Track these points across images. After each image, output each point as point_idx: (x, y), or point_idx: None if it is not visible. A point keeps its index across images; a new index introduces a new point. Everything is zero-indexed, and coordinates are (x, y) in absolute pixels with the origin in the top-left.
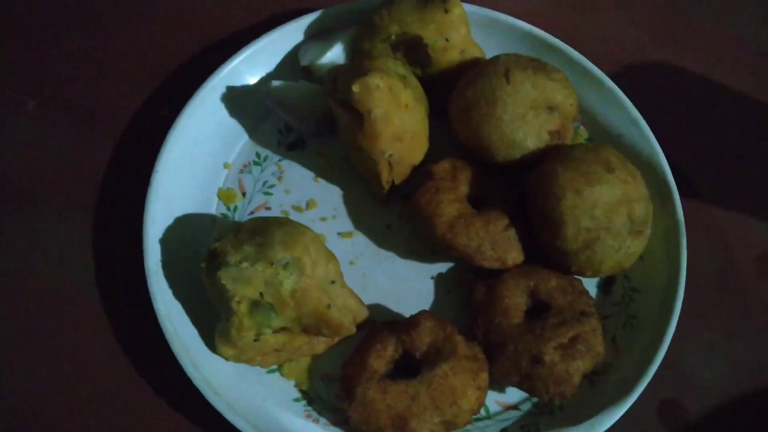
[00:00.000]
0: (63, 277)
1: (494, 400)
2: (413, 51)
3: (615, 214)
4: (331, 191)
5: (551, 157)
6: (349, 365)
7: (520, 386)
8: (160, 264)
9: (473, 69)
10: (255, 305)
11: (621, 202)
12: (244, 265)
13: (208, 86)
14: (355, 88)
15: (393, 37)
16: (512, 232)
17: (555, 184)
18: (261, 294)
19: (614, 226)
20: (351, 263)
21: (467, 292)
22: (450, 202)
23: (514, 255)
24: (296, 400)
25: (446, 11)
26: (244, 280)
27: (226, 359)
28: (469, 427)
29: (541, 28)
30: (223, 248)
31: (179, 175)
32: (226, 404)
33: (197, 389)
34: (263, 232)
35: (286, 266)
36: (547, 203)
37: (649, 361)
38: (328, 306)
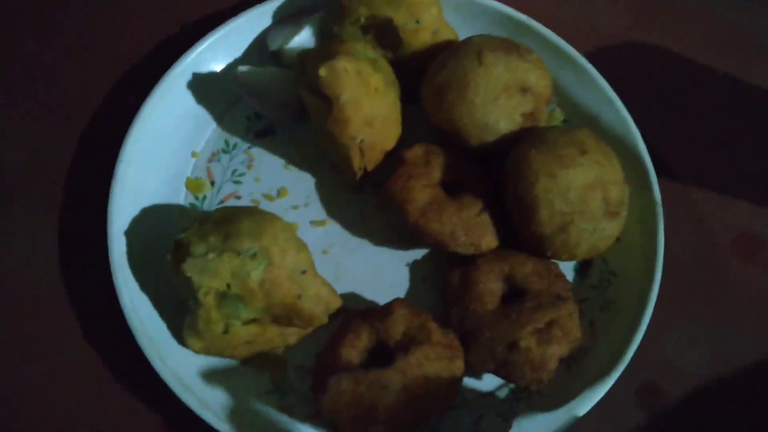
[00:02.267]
0: (29, 274)
1: (471, 387)
2: (384, 34)
3: (589, 196)
4: (302, 179)
5: (524, 140)
6: (323, 355)
7: (496, 373)
8: (125, 257)
9: (445, 51)
10: (223, 297)
11: (595, 185)
12: (210, 256)
13: (173, 73)
14: (322, 72)
15: (362, 19)
16: (486, 217)
17: (528, 167)
18: (228, 285)
19: (589, 209)
20: (324, 252)
21: (443, 279)
22: (422, 188)
23: (489, 240)
24: (269, 392)
25: None
26: (210, 272)
27: (196, 352)
28: (445, 415)
29: (518, 10)
30: (188, 239)
31: (145, 165)
32: (195, 398)
33: (167, 384)
34: (230, 222)
35: (253, 256)
36: (521, 187)
37: (626, 345)
38: (299, 296)
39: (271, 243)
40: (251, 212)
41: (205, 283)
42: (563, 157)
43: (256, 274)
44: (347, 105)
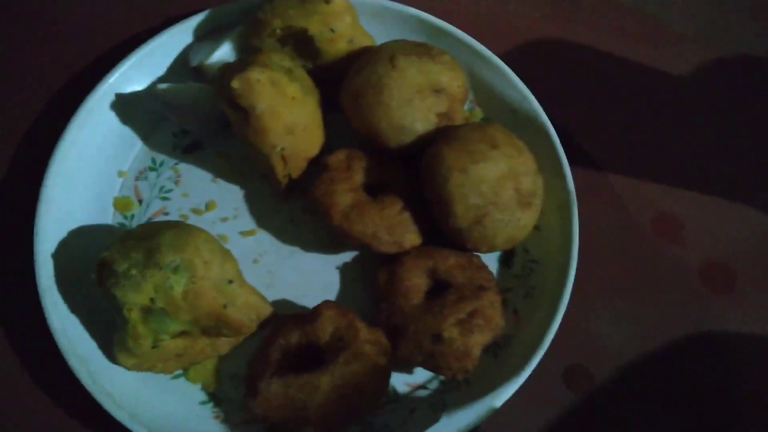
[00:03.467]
0: None
1: (403, 381)
2: (301, 44)
3: (502, 188)
4: (230, 191)
5: (438, 138)
6: (254, 362)
7: (424, 365)
8: (53, 279)
9: (361, 58)
10: (148, 312)
11: (507, 177)
12: (133, 272)
13: (95, 95)
14: (235, 84)
15: (278, 31)
16: (407, 216)
17: (441, 164)
18: (152, 300)
19: (502, 201)
20: (255, 261)
21: (372, 279)
22: (345, 191)
23: (411, 237)
24: (203, 402)
25: (327, 2)
26: (133, 288)
27: (128, 369)
28: (378, 410)
29: (433, 14)
30: (111, 257)
31: (71, 187)
32: (127, 414)
33: (100, 404)
34: (151, 238)
35: (176, 269)
36: (436, 184)
37: (546, 328)
38: (225, 306)
39: (193, 255)
40: (173, 226)
41: (129, 299)
42: (474, 152)
43: (179, 286)
44: (264, 115)
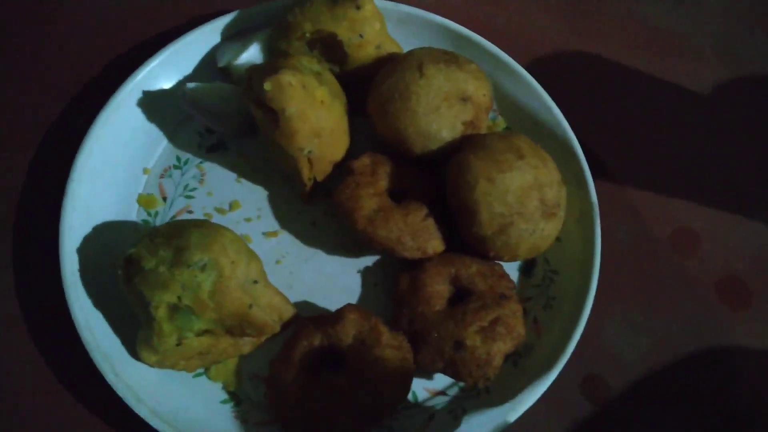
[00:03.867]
0: None
1: (422, 387)
2: (329, 48)
3: (527, 198)
4: (254, 191)
5: (465, 146)
6: (276, 363)
7: (445, 372)
8: (77, 274)
9: (389, 64)
10: (174, 309)
11: (532, 187)
12: (161, 269)
13: (122, 92)
14: (267, 86)
15: (307, 35)
16: (431, 222)
17: (468, 172)
18: (179, 298)
19: (527, 211)
20: (277, 262)
21: (392, 283)
22: (369, 196)
23: (435, 244)
24: (224, 401)
25: (358, 8)
26: (161, 285)
27: (150, 365)
28: (397, 415)
29: (458, 23)
30: (138, 254)
31: (96, 183)
32: (148, 410)
33: (121, 398)
34: (179, 236)
35: (203, 268)
36: (462, 192)
37: (567, 339)
38: (250, 306)
39: (220, 254)
40: (200, 225)
41: (156, 297)
42: (501, 161)
43: (206, 285)
44: (294, 117)
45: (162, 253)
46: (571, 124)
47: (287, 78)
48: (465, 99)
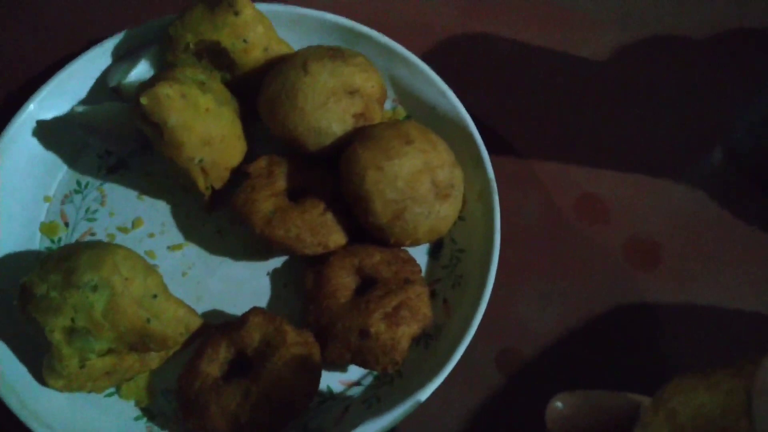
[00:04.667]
0: None
1: (337, 380)
2: (217, 56)
3: (418, 182)
4: (157, 207)
5: (354, 138)
6: (184, 374)
7: (354, 362)
8: None
9: (275, 66)
10: (71, 332)
11: (423, 171)
12: (52, 294)
13: (15, 124)
14: (143, 100)
15: (191, 45)
16: (329, 216)
17: (356, 163)
18: (73, 320)
19: (419, 194)
20: (183, 274)
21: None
22: (266, 198)
23: (335, 237)
24: (137, 418)
25: (236, 14)
26: (53, 310)
27: (58, 390)
28: (312, 411)
29: (355, 19)
30: (30, 281)
31: None
32: None
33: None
34: (69, 258)
35: (94, 288)
36: (353, 183)
37: (472, 316)
38: (148, 320)
39: (111, 272)
40: (91, 246)
41: (50, 322)
42: (389, 149)
43: (99, 305)
44: (177, 128)
45: (52, 278)
46: (472, 105)
47: (164, 90)
48: (352, 92)
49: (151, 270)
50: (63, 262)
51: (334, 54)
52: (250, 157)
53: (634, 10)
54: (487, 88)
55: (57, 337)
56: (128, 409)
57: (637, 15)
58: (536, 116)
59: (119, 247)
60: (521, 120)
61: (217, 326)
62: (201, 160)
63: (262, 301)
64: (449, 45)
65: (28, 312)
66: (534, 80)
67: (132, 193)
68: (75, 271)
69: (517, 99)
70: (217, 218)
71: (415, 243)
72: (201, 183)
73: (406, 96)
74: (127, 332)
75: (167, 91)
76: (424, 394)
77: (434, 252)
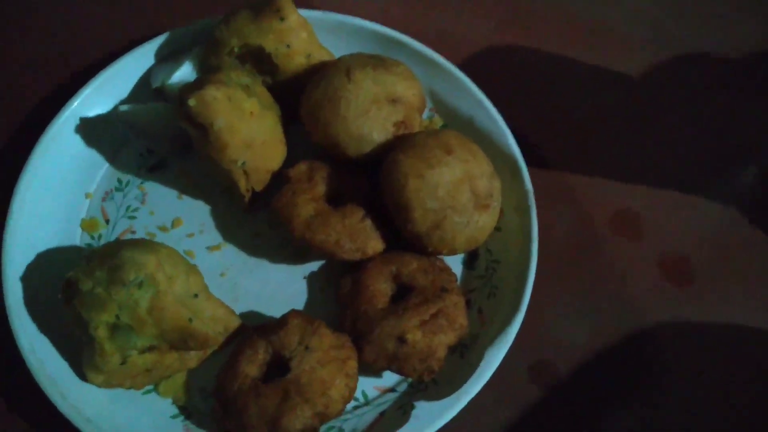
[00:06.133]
0: None
1: (372, 385)
2: (260, 61)
3: (458, 192)
4: (196, 207)
5: (396, 146)
6: (222, 374)
7: (389, 368)
8: (21, 301)
9: (318, 72)
10: (114, 329)
11: (463, 180)
12: (97, 290)
13: (59, 121)
14: (191, 102)
15: (236, 49)
16: (369, 223)
17: (398, 171)
18: (117, 317)
19: (459, 204)
20: (222, 275)
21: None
22: (306, 202)
23: (374, 244)
24: (174, 416)
25: (282, 19)
26: (98, 306)
27: (98, 386)
28: (347, 415)
29: (391, 26)
30: (75, 277)
31: (38, 212)
32: (97, 430)
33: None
34: (114, 255)
35: (139, 286)
36: (394, 191)
37: (509, 327)
38: (190, 319)
39: (156, 271)
40: (135, 243)
41: (95, 318)
42: (430, 158)
43: (143, 302)
44: (222, 131)
45: (98, 274)
46: (507, 117)
47: (212, 92)
48: (394, 100)
49: (192, 269)
50: (108, 259)
51: (376, 62)
52: (287, 162)
53: (668, 29)
54: (521, 100)
55: (100, 332)
56: (166, 407)
57: (671, 34)
58: (571, 130)
59: (162, 245)
60: (556, 133)
61: (255, 327)
62: (243, 163)
63: (298, 304)
64: (485, 56)
65: (73, 307)
66: (569, 94)
67: (172, 193)
68: (120, 268)
69: (552, 112)
70: (254, 220)
71: (452, 252)
72: (242, 185)
73: (443, 105)
74: (169, 330)
75: (215, 93)
76: (460, 404)
77: (469, 261)
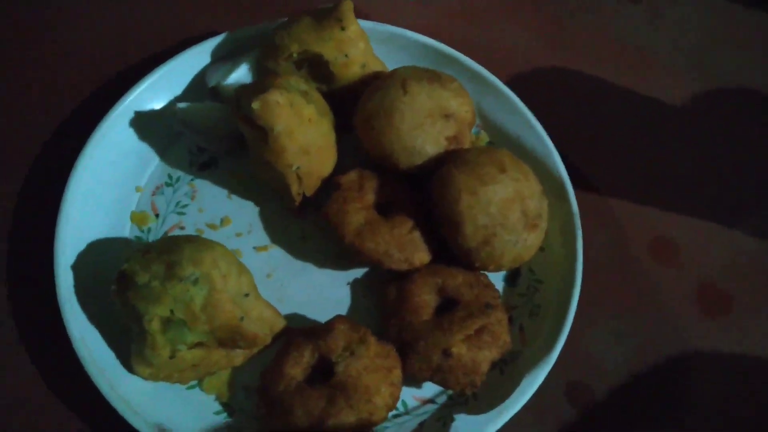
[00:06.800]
0: None
1: (412, 395)
2: (316, 68)
3: (509, 210)
4: (245, 207)
5: (448, 161)
6: (267, 374)
7: (432, 380)
8: (72, 289)
9: (374, 82)
10: (167, 323)
11: (514, 199)
12: (154, 283)
13: (114, 113)
14: (255, 105)
15: (294, 55)
16: (417, 234)
17: (452, 186)
18: (172, 311)
19: (509, 222)
20: (268, 276)
21: (381, 295)
22: (357, 210)
23: (421, 255)
24: (217, 413)
25: (343, 28)
26: (154, 299)
27: (144, 378)
28: (387, 423)
29: (441, 41)
30: (131, 269)
31: (90, 202)
32: (145, 423)
33: (116, 410)
34: (171, 251)
35: (195, 282)
36: (446, 205)
37: (552, 347)
38: (241, 318)
39: (211, 268)
40: (192, 240)
41: (150, 310)
42: (483, 175)
43: (198, 298)
44: (282, 135)
45: (155, 268)
46: (550, 136)
47: (275, 97)
48: (448, 115)
49: (244, 269)
50: (165, 254)
51: (432, 76)
52: (338, 168)
53: (711, 58)
54: (564, 121)
55: (154, 326)
56: (209, 403)
57: (713, 63)
58: (614, 154)
59: (218, 243)
60: (599, 156)
61: (301, 330)
62: (298, 168)
63: (341, 310)
64: (530, 74)
65: (128, 298)
66: (613, 118)
67: (221, 192)
68: (177, 263)
69: (595, 135)
70: (301, 224)
71: (498, 269)
72: (294, 189)
73: (489, 122)
74: (221, 327)
75: (278, 98)
76: (501, 420)
77: (511, 279)
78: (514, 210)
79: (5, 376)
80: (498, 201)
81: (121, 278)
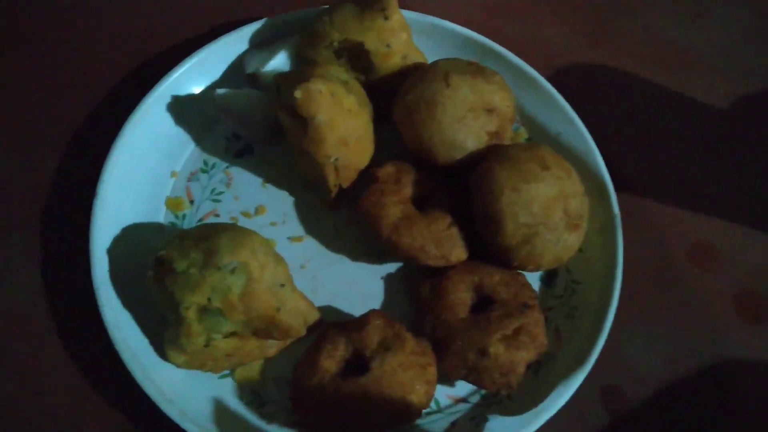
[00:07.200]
0: (13, 292)
1: (445, 394)
2: (356, 57)
3: (551, 209)
4: (280, 197)
5: (489, 156)
6: (301, 366)
7: (467, 379)
8: (107, 274)
9: (415, 74)
10: (204, 311)
11: (557, 198)
12: (192, 271)
13: (152, 97)
14: (297, 93)
15: (335, 44)
16: (455, 231)
17: (493, 182)
18: (209, 299)
19: (551, 221)
20: (302, 267)
21: (415, 290)
22: (394, 204)
23: (458, 252)
24: (248, 403)
25: (386, 18)
26: (192, 287)
27: (177, 366)
28: (420, 421)
29: (483, 34)
30: (169, 256)
31: (125, 185)
32: (178, 411)
33: (149, 397)
34: (209, 238)
35: (233, 271)
36: (487, 201)
37: (589, 350)
38: (278, 309)
39: (250, 257)
40: (230, 228)
41: (187, 298)
42: (526, 172)
43: (236, 288)
44: (322, 125)
45: (193, 255)
46: (591, 134)
47: (317, 86)
48: (490, 110)
49: (280, 259)
50: (203, 241)
51: (474, 70)
52: (374, 161)
53: (754, 61)
54: (605, 120)
55: (191, 314)
56: (241, 392)
57: (756, 66)
58: (653, 155)
59: (255, 233)
60: (638, 157)
61: (335, 323)
62: (336, 159)
63: (375, 304)
64: (570, 71)
65: (165, 285)
66: (652, 118)
67: (257, 180)
68: (216, 252)
69: (635, 135)
70: (336, 216)
71: (537, 269)
72: (332, 180)
73: (529, 118)
74: (257, 318)
75: (320, 87)
76: (537, 423)
77: (548, 280)
78: (557, 209)
79: (39, 360)
80: (541, 199)
81: (159, 264)
